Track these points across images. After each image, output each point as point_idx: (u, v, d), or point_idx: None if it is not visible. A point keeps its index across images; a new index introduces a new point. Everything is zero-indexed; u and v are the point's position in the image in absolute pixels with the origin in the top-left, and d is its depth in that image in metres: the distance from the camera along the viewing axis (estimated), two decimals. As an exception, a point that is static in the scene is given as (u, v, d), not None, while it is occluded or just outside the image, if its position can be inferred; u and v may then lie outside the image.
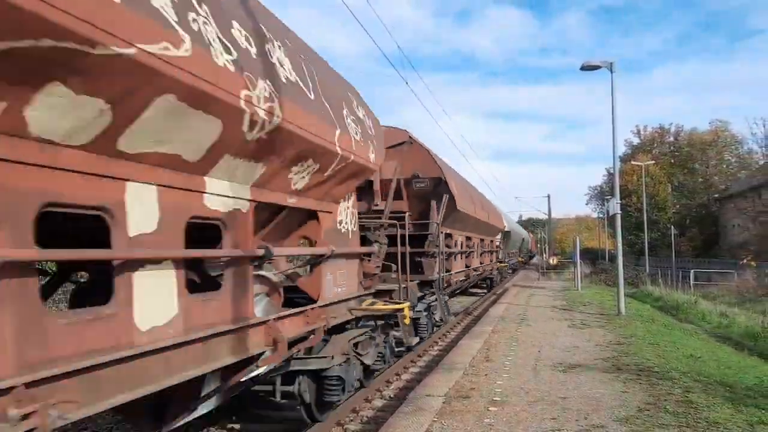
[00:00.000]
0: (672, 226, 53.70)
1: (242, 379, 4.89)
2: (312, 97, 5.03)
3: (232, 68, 3.62)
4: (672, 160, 71.09)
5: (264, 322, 4.80)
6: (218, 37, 3.54)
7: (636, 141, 78.15)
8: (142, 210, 3.37)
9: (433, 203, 11.83)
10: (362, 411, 7.45)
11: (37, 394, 2.62)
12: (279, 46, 4.66)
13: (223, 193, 4.21)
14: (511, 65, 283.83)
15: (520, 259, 49.43)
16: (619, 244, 16.47)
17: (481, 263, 20.80)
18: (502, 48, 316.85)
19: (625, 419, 5.88)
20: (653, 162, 60.27)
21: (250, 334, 4.60)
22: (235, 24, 3.87)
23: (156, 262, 3.51)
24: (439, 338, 12.80)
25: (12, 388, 2.50)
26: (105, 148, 3.03)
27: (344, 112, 5.94)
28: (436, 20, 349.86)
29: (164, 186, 3.56)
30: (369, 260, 7.71)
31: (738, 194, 55.47)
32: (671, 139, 75.41)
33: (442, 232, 12.33)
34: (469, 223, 16.06)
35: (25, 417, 2.53)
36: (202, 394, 4.73)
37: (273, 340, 4.89)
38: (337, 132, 5.50)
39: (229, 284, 4.39)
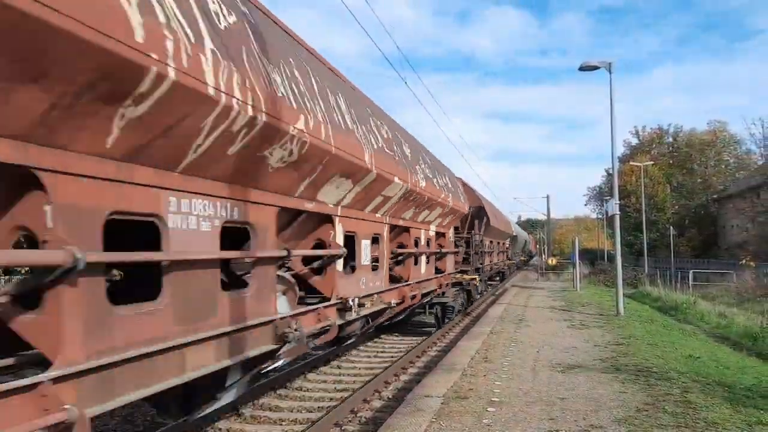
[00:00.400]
0: (671, 227, 56.52)
1: (423, 301, 13.15)
2: (452, 189, 13.42)
3: (462, 203, 12.43)
4: (671, 161, 74.78)
5: (436, 277, 13.30)
6: (441, 184, 12.42)
7: (635, 141, 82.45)
8: (422, 236, 11.94)
9: (476, 222, 19.75)
10: (360, 412, 7.73)
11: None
12: (443, 174, 13.51)
13: (432, 230, 12.80)
14: (510, 65, 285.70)
15: (522, 258, 57.73)
16: (618, 245, 17.48)
17: (498, 260, 28.70)
18: (501, 48, 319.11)
19: (624, 419, 6.07)
20: (652, 162, 63.61)
21: (433, 281, 13.11)
22: (441, 176, 12.99)
23: (423, 254, 12.17)
24: (438, 339, 13.89)
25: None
26: (421, 221, 11.98)
27: (458, 187, 14.47)
28: (435, 20, 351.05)
29: (421, 229, 12.04)
30: (456, 255, 16.61)
31: (736, 195, 58.35)
32: (670, 139, 79.84)
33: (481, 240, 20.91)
34: (493, 232, 24.05)
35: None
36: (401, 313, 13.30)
37: (439, 284, 13.64)
38: (459, 201, 13.89)
39: (431, 261, 13.00)
